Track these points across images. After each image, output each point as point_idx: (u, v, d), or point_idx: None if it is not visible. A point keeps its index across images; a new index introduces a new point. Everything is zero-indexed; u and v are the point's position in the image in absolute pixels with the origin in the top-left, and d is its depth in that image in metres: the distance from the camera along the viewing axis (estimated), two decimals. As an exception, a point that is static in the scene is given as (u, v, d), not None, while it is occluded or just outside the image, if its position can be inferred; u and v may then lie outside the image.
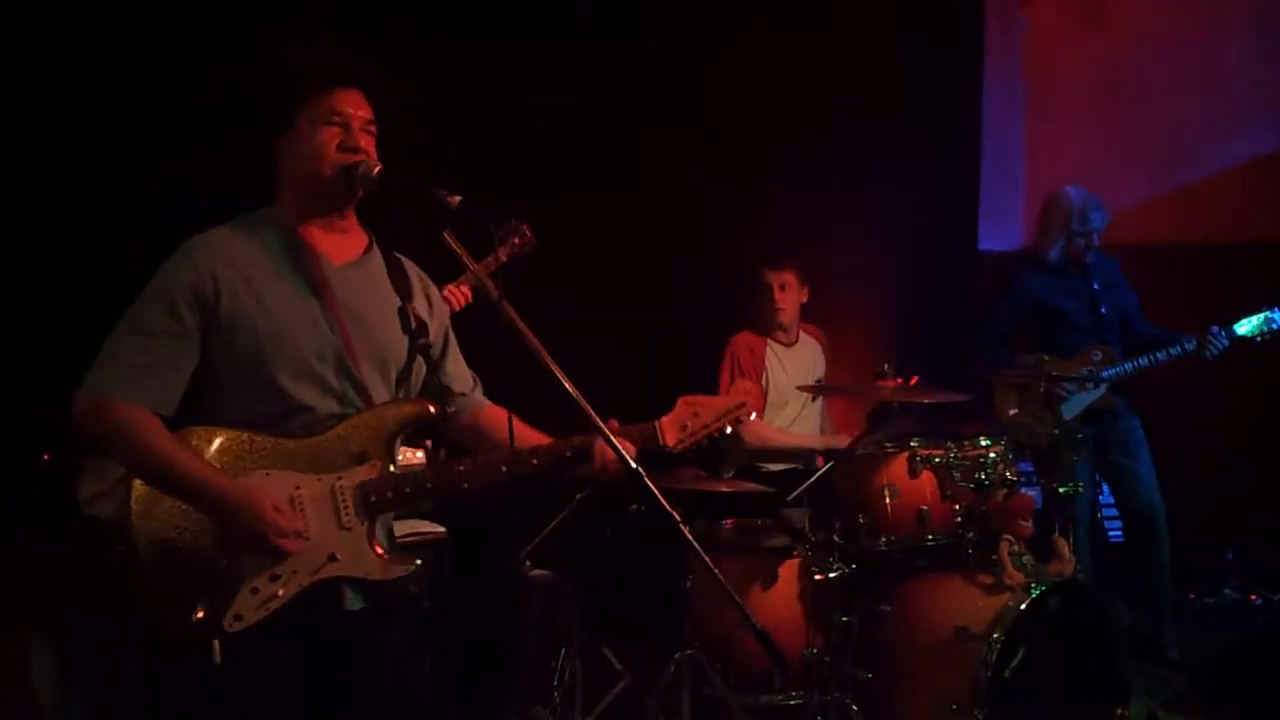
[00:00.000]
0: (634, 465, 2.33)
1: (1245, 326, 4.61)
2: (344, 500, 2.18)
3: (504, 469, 2.30)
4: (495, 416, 2.48)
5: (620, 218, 5.17)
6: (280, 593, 2.11)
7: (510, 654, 4.07)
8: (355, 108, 2.25)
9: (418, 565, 2.25)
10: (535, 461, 2.32)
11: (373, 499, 2.21)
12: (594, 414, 2.37)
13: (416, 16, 4.51)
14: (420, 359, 2.36)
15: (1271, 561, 5.58)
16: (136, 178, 3.89)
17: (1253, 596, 5.57)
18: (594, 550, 4.17)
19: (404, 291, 2.36)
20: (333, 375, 2.21)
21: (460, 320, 3.48)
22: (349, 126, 2.24)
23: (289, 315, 2.20)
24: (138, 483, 2.11)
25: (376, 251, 2.37)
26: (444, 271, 3.43)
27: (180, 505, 2.10)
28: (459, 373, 2.49)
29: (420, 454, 2.43)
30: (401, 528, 3.55)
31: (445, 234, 2.38)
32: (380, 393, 2.28)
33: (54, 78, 3.82)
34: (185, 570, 2.08)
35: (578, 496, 3.98)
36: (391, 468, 2.23)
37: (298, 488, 2.15)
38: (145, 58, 3.84)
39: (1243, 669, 4.68)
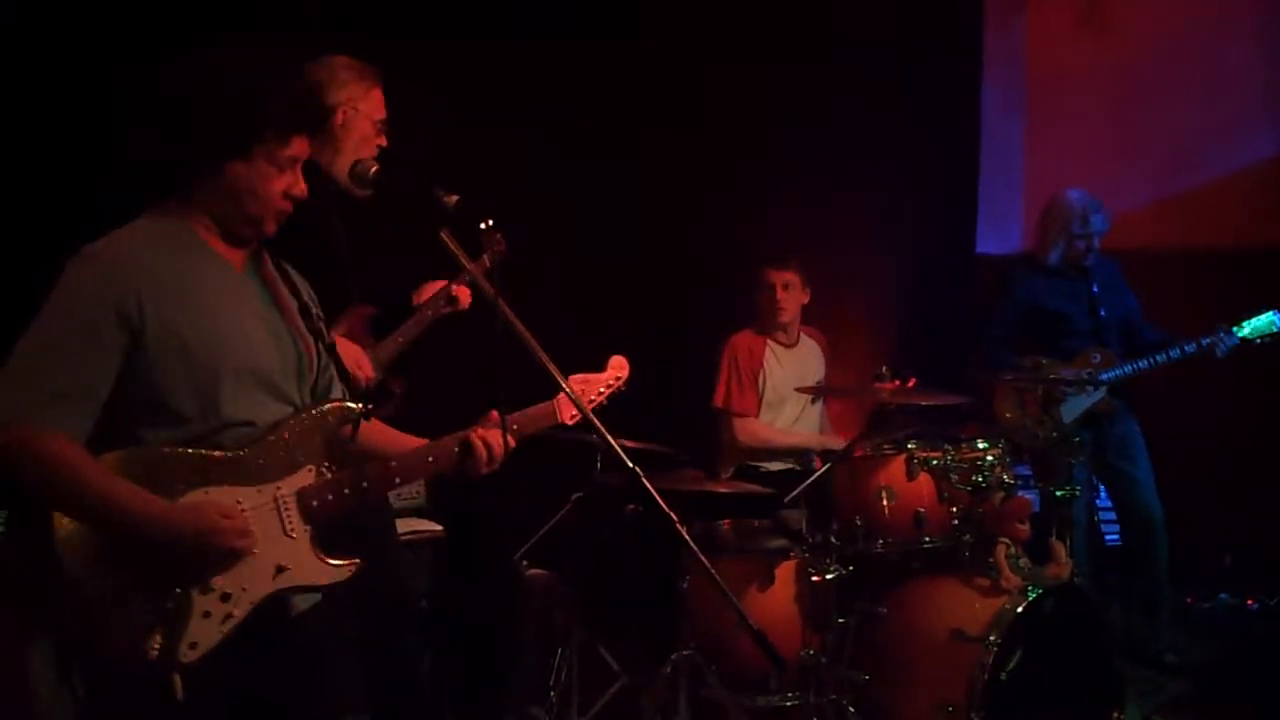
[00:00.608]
0: (631, 465, 2.34)
1: (1247, 328, 4.61)
2: (286, 509, 2.14)
3: (430, 460, 2.31)
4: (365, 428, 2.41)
5: (619, 219, 5.18)
6: (234, 612, 2.06)
7: (507, 654, 4.08)
8: (303, 154, 2.18)
9: (358, 565, 2.21)
10: (431, 459, 2.33)
11: (314, 504, 2.16)
12: (590, 413, 2.39)
13: (416, 17, 4.52)
14: (327, 360, 2.31)
15: (1268, 566, 5.58)
16: (140, 181, 3.89)
17: (1249, 601, 5.56)
18: (591, 550, 4.17)
19: (297, 294, 2.29)
20: (267, 386, 2.16)
21: (456, 318, 3.50)
22: (296, 174, 2.17)
23: (221, 330, 2.10)
24: (62, 522, 1.96)
25: (265, 255, 2.28)
26: (432, 271, 3.44)
27: (114, 539, 1.98)
28: (334, 379, 2.41)
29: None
30: (401, 526, 3.57)
31: (443, 234, 2.37)
32: (292, 394, 2.22)
33: (50, 77, 3.83)
34: (131, 607, 1.97)
35: (574, 497, 3.99)
36: (327, 471, 2.20)
37: (239, 502, 2.08)
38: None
39: (1239, 673, 4.68)
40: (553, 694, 3.84)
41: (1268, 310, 4.62)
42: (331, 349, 2.31)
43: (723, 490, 3.97)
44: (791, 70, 5.50)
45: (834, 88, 5.56)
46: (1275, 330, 4.60)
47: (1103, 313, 4.76)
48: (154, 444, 2.03)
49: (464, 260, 2.41)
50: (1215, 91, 5.84)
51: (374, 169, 2.48)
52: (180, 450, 2.04)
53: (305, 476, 2.17)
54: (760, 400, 4.72)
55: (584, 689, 3.85)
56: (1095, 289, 4.78)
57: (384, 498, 2.95)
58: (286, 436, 2.15)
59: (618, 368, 2.76)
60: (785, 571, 3.76)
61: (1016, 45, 6.23)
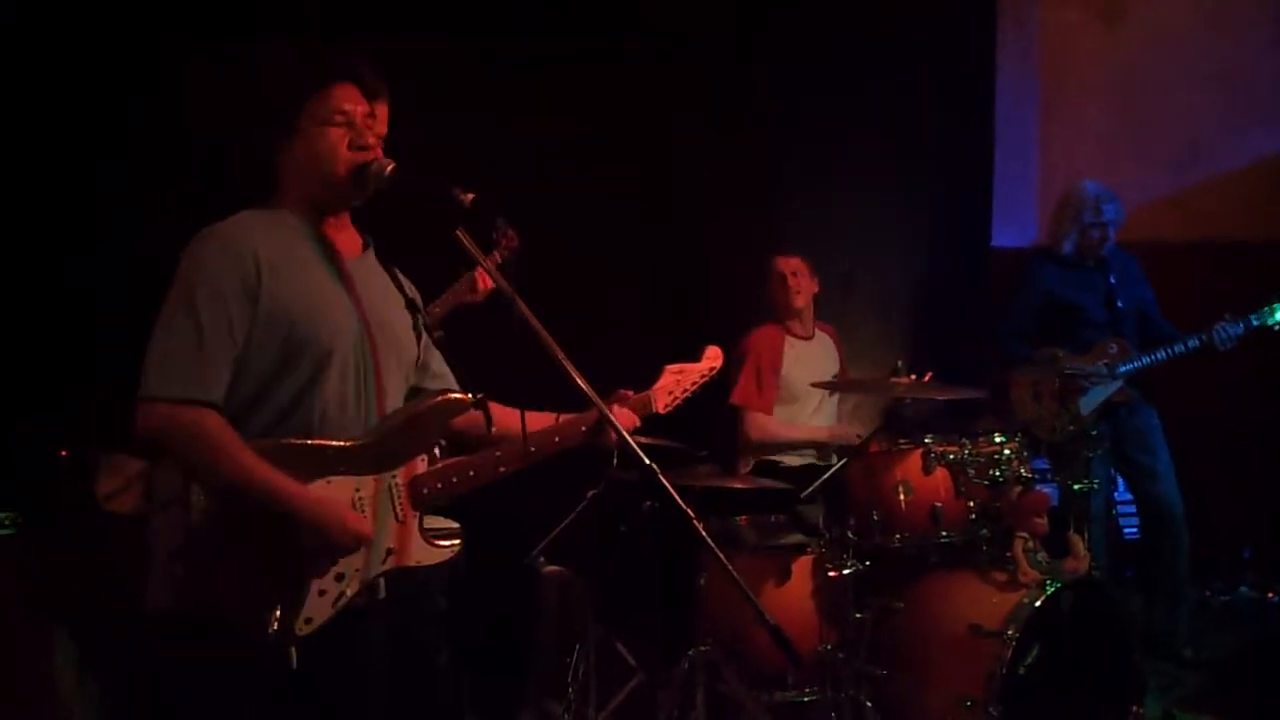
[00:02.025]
0: (647, 461, 2.34)
1: (1266, 316, 4.54)
2: (399, 495, 2.24)
3: (533, 449, 2.38)
4: (474, 416, 2.48)
5: (632, 216, 5.18)
6: (347, 591, 2.15)
7: (525, 650, 4.09)
8: (355, 104, 2.23)
9: (456, 546, 2.34)
10: (558, 439, 2.44)
11: (424, 491, 2.27)
12: (605, 408, 2.39)
13: (420, 12, 4.52)
14: (435, 353, 2.41)
15: (1288, 559, 5.56)
16: (149, 181, 3.91)
17: (1269, 594, 5.54)
18: (608, 547, 4.18)
19: (401, 290, 2.37)
20: (357, 365, 2.22)
21: (469, 314, 3.50)
22: (354, 124, 2.22)
23: (321, 302, 2.18)
24: (199, 496, 2.04)
25: (372, 251, 2.37)
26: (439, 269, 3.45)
27: (249, 518, 2.05)
28: (445, 372, 2.50)
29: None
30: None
31: (458, 232, 2.38)
32: (396, 385, 2.30)
33: (62, 83, 3.85)
34: (256, 582, 2.06)
35: (591, 493, 3.99)
36: (438, 462, 2.30)
37: (357, 489, 2.17)
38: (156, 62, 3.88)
39: (1258, 667, 4.66)
40: (570, 690, 3.84)
41: None
42: (441, 343, 2.40)
43: (739, 486, 3.97)
44: (805, 66, 5.49)
45: (846, 84, 5.55)
46: None
47: (1120, 304, 4.74)
48: (268, 423, 2.11)
49: (480, 258, 2.41)
50: (1228, 84, 5.82)
51: (390, 167, 2.48)
52: (306, 442, 2.12)
53: (418, 465, 2.27)
54: (778, 395, 4.73)
55: (601, 685, 3.86)
56: (1112, 280, 4.76)
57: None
58: (403, 426, 2.24)
59: (713, 358, 2.81)
60: (802, 567, 3.76)
61: (1030, 38, 6.21)
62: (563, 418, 2.47)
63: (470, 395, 2.33)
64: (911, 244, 5.77)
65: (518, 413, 2.42)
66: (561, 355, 2.39)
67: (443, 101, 4.38)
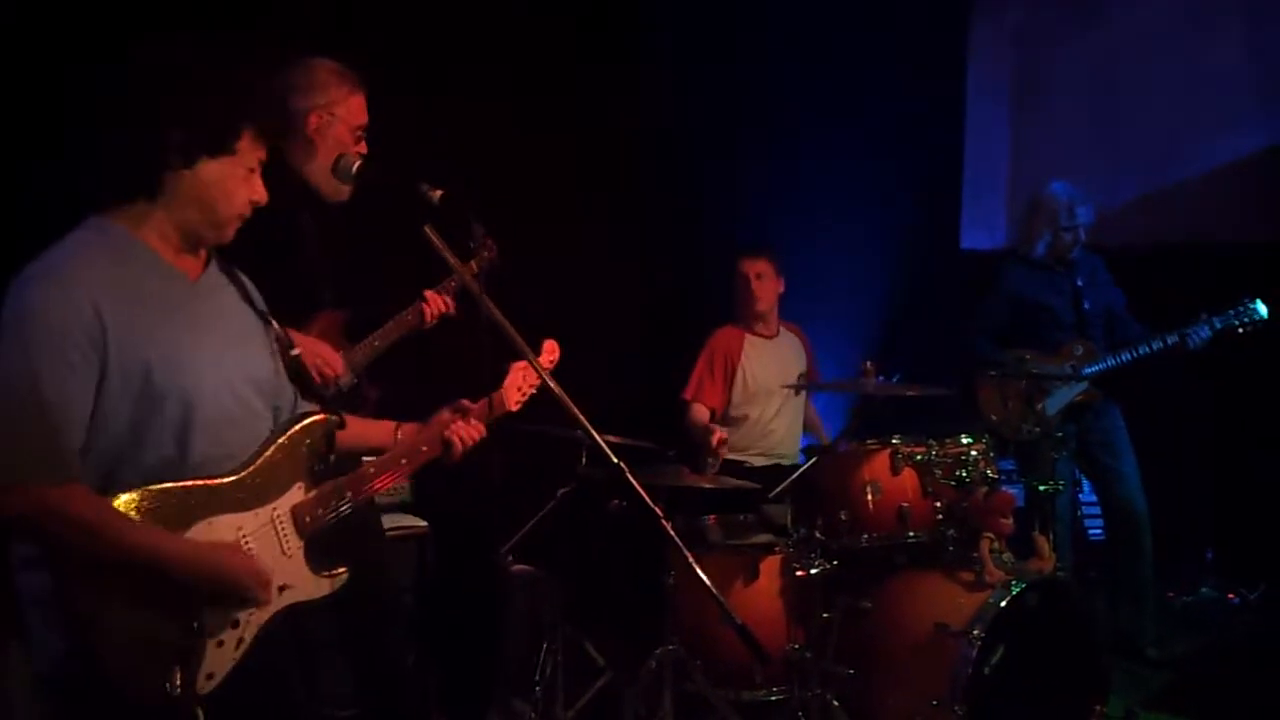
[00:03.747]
0: (616, 460, 2.33)
1: (1233, 318, 4.57)
2: (282, 528, 2.14)
3: (404, 461, 2.34)
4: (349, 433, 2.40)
5: (608, 216, 5.18)
6: (245, 637, 2.06)
7: (492, 648, 4.07)
8: (263, 158, 2.12)
9: (344, 574, 2.24)
10: (425, 448, 2.36)
11: (307, 520, 2.17)
12: (575, 408, 2.38)
13: (403, 19, 4.50)
14: (284, 371, 2.29)
15: (1250, 561, 5.61)
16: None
17: (1231, 595, 5.60)
18: (576, 545, 4.18)
19: (252, 304, 2.24)
20: (224, 399, 2.09)
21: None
22: (259, 179, 2.11)
23: (178, 340, 2.02)
24: (72, 570, 1.89)
25: (215, 264, 2.19)
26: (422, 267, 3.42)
27: (132, 582, 1.92)
28: (295, 389, 2.38)
29: None
30: (386, 521, 3.56)
31: (426, 229, 2.36)
32: (259, 411, 2.18)
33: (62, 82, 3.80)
34: (149, 646, 1.94)
35: (560, 492, 3.99)
36: (314, 485, 2.20)
37: (240, 529, 2.07)
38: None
39: (1220, 667, 4.72)
40: (538, 688, 3.84)
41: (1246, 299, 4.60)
42: (296, 360, 2.30)
43: (707, 485, 3.97)
44: (775, 65, 5.50)
45: (816, 84, 5.57)
46: (1248, 320, 4.56)
47: (1087, 305, 4.77)
48: (135, 480, 1.96)
49: (449, 256, 2.39)
50: (1201, 86, 5.84)
51: (357, 163, 2.47)
52: (179, 485, 1.99)
53: (296, 494, 2.18)
54: (732, 394, 4.74)
55: (569, 683, 3.85)
56: (1080, 282, 4.79)
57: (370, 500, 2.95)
58: (274, 455, 2.14)
59: (549, 351, 2.86)
60: (770, 566, 3.77)
61: (1003, 38, 6.24)
62: (404, 426, 2.40)
63: (330, 414, 2.24)
64: (881, 245, 5.80)
65: (375, 425, 2.39)
66: (533, 358, 2.38)
67: (418, 99, 4.36)
